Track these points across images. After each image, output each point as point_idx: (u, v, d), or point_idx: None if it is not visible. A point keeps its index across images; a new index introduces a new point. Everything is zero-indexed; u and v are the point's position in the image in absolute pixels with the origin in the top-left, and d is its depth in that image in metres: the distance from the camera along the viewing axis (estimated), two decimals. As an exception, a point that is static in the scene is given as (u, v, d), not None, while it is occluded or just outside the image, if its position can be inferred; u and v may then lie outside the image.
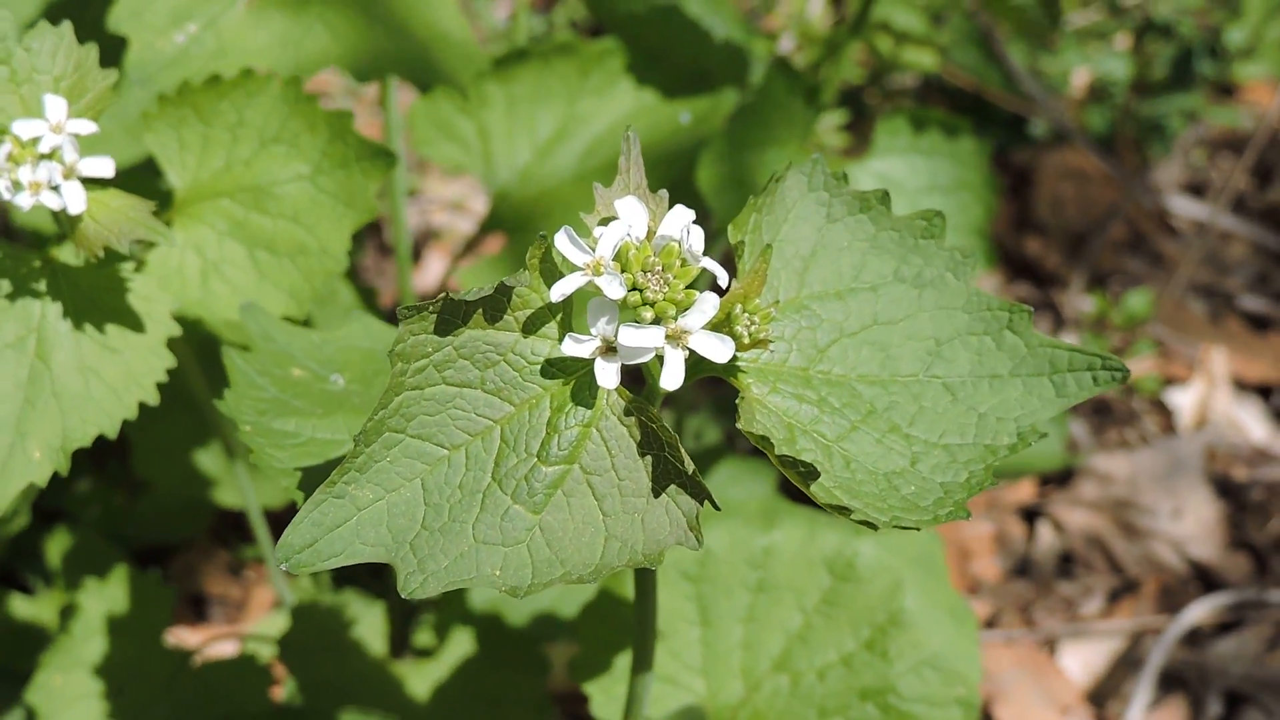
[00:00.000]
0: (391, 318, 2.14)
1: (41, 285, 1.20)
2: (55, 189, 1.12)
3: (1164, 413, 2.88)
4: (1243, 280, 3.37)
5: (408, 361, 0.82)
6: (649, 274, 0.79)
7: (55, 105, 1.14)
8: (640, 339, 0.79)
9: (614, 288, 0.79)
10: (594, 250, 0.80)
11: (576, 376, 0.84)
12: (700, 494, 0.81)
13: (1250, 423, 2.89)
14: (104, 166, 1.15)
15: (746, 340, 0.82)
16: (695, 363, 0.81)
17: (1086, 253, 3.24)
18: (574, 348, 0.81)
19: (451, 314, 0.82)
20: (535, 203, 1.76)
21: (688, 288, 0.80)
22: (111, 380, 1.17)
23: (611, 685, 1.47)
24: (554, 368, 0.84)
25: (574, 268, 0.80)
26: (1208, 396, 2.90)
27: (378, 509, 0.81)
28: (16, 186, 1.11)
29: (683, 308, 0.79)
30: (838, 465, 0.85)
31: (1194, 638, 2.39)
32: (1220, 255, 3.43)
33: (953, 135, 1.73)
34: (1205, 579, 2.51)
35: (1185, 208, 3.46)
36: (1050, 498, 2.67)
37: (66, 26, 1.18)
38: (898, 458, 0.86)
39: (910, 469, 0.86)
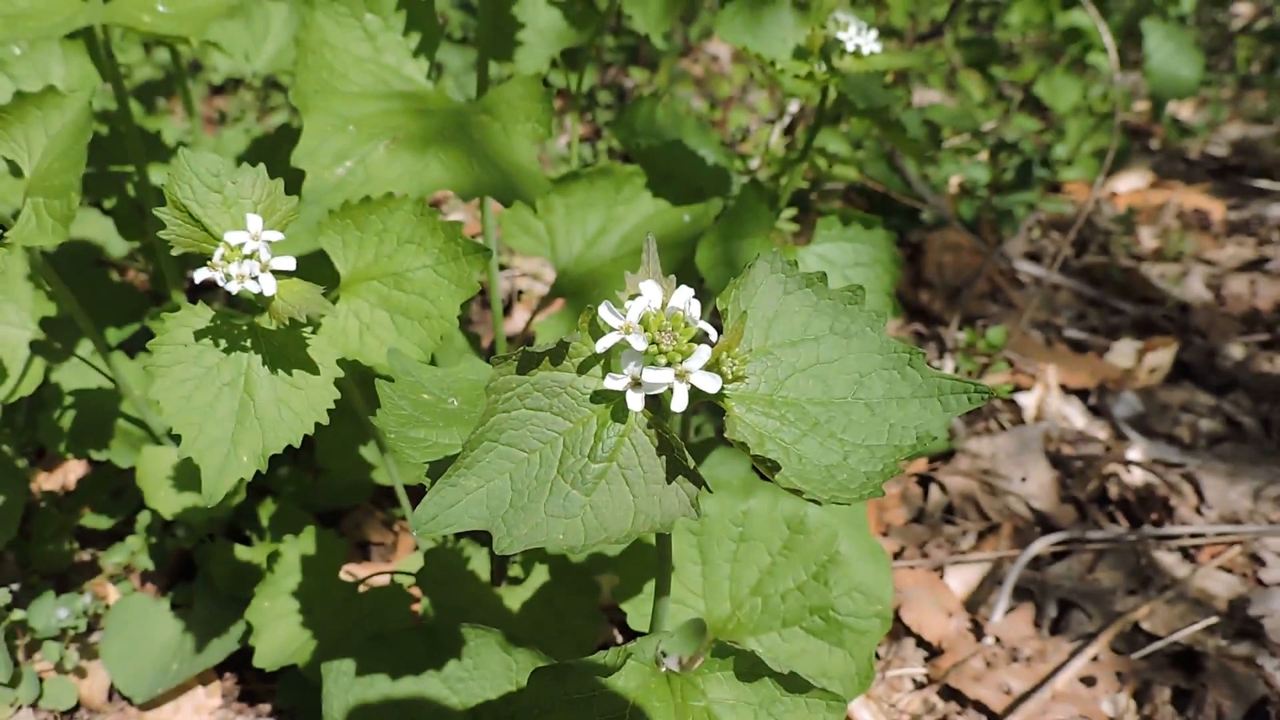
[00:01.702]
0: (490, 355, 2.13)
1: (248, 343, 1.19)
2: (255, 279, 1.12)
3: (1015, 409, 2.83)
4: (1067, 318, 3.31)
5: (499, 393, 0.80)
6: (663, 333, 0.77)
7: (254, 221, 1.14)
8: (657, 377, 0.77)
9: (639, 343, 0.77)
10: (625, 317, 0.79)
11: (614, 402, 0.82)
12: (698, 481, 0.80)
13: (1074, 415, 2.84)
14: (288, 263, 1.14)
15: (729, 376, 0.80)
16: (695, 392, 0.79)
17: (960, 301, 3.20)
18: (612, 383, 0.80)
19: (528, 361, 0.81)
20: (586, 277, 1.74)
21: (690, 341, 0.79)
22: (296, 408, 1.15)
23: (641, 604, 1.45)
24: (599, 397, 0.82)
25: (611, 329, 0.79)
26: (1044, 398, 2.85)
27: (479, 494, 0.80)
28: (228, 277, 1.11)
29: (686, 355, 0.78)
30: (793, 461, 0.83)
31: (1036, 563, 2.34)
32: (1052, 301, 3.38)
33: (868, 227, 1.69)
34: (1044, 523, 2.46)
35: (1027, 269, 3.41)
36: (938, 468, 2.62)
37: (261, 167, 1.17)
38: (834, 455, 0.84)
39: (843, 463, 0.84)
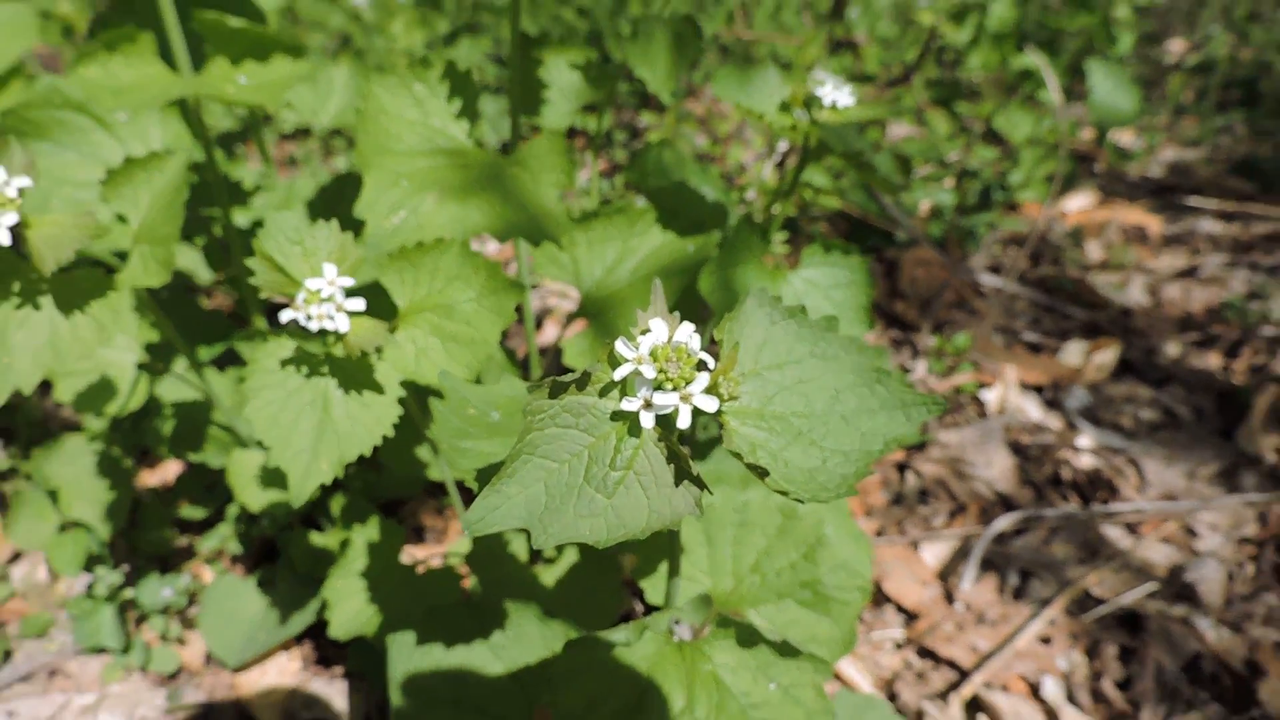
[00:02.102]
0: (525, 365, 2.16)
1: (325, 369, 1.22)
2: (331, 318, 1.15)
3: (979, 404, 2.84)
4: (1024, 323, 3.32)
5: (534, 415, 0.83)
6: (669, 362, 0.81)
7: (330, 269, 1.17)
8: (665, 400, 0.80)
9: (649, 371, 0.80)
10: (637, 349, 0.82)
11: (630, 421, 0.84)
12: (701, 485, 0.82)
13: (1031, 409, 2.84)
14: (358, 305, 1.18)
15: (725, 396, 0.83)
16: (697, 411, 0.82)
17: (931, 310, 3.21)
18: (628, 405, 0.83)
19: (558, 389, 0.84)
20: (606, 299, 1.76)
21: (692, 369, 0.82)
22: (366, 423, 1.18)
23: (657, 581, 1.48)
24: (617, 416, 0.85)
25: (626, 360, 0.82)
26: (1005, 394, 2.86)
27: (519, 499, 0.83)
28: (309, 317, 1.14)
29: (688, 381, 0.81)
30: (780, 466, 0.85)
31: (1000, 539, 2.36)
32: (1011, 308, 3.38)
33: (847, 253, 1.71)
34: (1006, 503, 2.47)
35: (989, 281, 3.41)
36: (913, 457, 2.64)
37: (335, 223, 1.21)
38: (815, 460, 0.86)
39: (822, 466, 0.86)
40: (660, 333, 0.81)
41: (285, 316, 1.15)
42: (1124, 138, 5.07)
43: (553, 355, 1.90)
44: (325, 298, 1.14)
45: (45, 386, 2.54)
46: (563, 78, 1.86)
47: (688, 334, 0.82)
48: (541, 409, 0.82)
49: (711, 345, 1.23)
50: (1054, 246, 3.82)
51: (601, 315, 1.72)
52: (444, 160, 1.41)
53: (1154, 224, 4.21)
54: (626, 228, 1.77)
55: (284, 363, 1.17)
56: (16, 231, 1.15)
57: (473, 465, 1.03)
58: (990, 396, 2.83)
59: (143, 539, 2.16)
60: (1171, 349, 3.17)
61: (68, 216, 1.17)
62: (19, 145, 1.10)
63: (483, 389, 1.18)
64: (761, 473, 0.80)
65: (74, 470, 2.05)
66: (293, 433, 1.14)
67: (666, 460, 0.83)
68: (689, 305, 1.72)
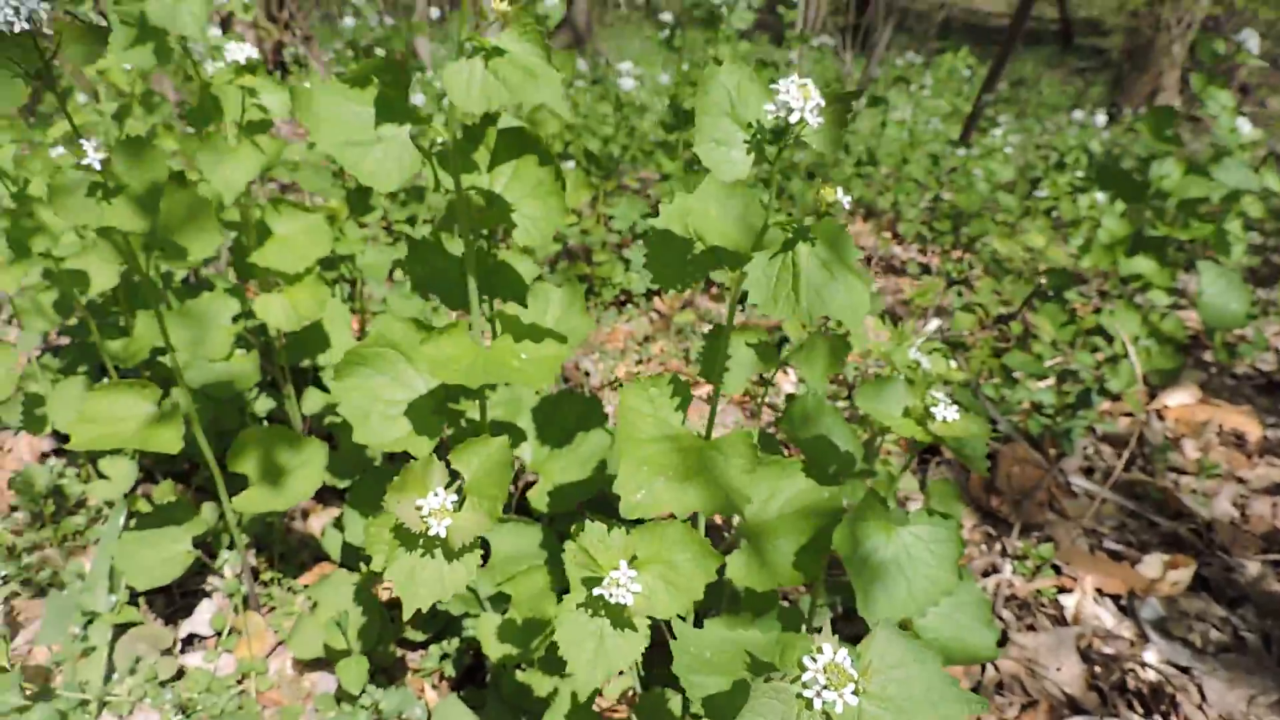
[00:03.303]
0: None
1: (603, 613, 1.89)
2: (624, 590, 1.83)
3: (1058, 608, 3.30)
4: (1110, 527, 3.76)
5: (755, 693, 1.47)
6: (832, 673, 1.43)
7: (623, 564, 1.86)
8: (829, 695, 1.43)
9: (821, 679, 1.43)
10: (817, 663, 1.44)
11: (808, 701, 1.47)
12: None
13: (1105, 616, 3.28)
14: (638, 587, 1.85)
15: (860, 690, 1.45)
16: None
17: (1022, 509, 3.69)
18: (807, 693, 1.46)
19: (765, 680, 1.47)
20: (758, 528, 2.28)
21: (846, 678, 1.43)
22: (626, 649, 1.85)
23: None
24: (799, 698, 1.47)
25: (809, 669, 1.44)
26: (1081, 601, 3.31)
27: (736, 735, 1.46)
28: (610, 591, 1.82)
29: (842, 685, 1.43)
30: (892, 735, 1.46)
31: (1066, 737, 2.81)
32: (1099, 513, 3.82)
33: (946, 518, 2.26)
34: (1073, 705, 2.90)
35: (1080, 483, 3.87)
36: (995, 649, 3.13)
37: (621, 529, 1.87)
38: (913, 732, 1.47)
39: (918, 736, 1.46)
40: (828, 654, 1.44)
41: (596, 592, 1.80)
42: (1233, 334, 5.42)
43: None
44: (619, 583, 1.73)
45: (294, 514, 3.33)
46: (741, 353, 2.55)
47: (843, 656, 1.44)
48: (759, 690, 1.46)
49: (844, 618, 1.82)
50: (1149, 445, 4.25)
51: (754, 540, 2.35)
52: (667, 445, 2.08)
53: (1254, 429, 4.57)
54: (778, 474, 2.40)
55: (578, 606, 1.84)
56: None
57: (698, 695, 1.66)
58: (1069, 601, 3.29)
59: (374, 652, 2.88)
60: (1251, 568, 3.55)
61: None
62: (440, 467, 1.83)
63: (699, 632, 1.82)
64: (881, 740, 1.41)
65: (338, 597, 2.79)
66: (582, 651, 1.79)
67: (825, 724, 1.45)
68: (822, 542, 2.34)
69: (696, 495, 1.98)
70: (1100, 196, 4.48)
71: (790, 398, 2.75)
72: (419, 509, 1.79)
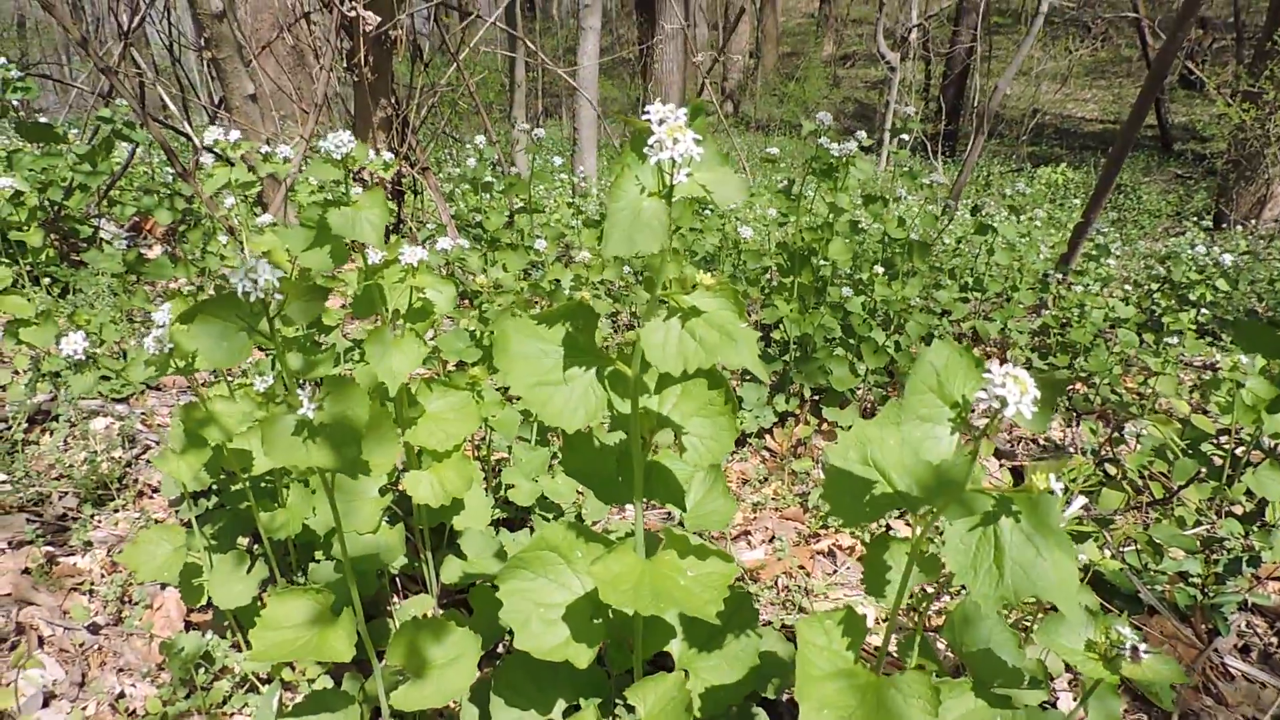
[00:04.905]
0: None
1: None
2: None
3: (1229, 820, 3.15)
4: (1271, 716, 3.58)
5: None
6: None
7: None
8: None
9: None
10: None
11: None
12: None
13: (1283, 831, 3.13)
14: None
15: None
16: None
17: (1176, 698, 3.55)
18: None
19: None
20: None
21: None
22: None
23: None
24: None
25: None
26: (1256, 813, 3.16)
27: None
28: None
29: None
30: None
31: None
32: (1259, 698, 3.65)
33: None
34: None
35: (1237, 665, 3.72)
36: None
37: None
38: None
39: None
40: None
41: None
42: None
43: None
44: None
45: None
46: (899, 562, 2.57)
47: None
48: None
49: None
50: (1307, 619, 4.06)
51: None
52: (845, 682, 2.11)
53: None
54: (945, 693, 2.40)
55: None
56: None
57: None
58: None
59: None
60: None
61: None
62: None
63: None
64: None
65: None
66: None
67: None
68: (996, 774, 2.30)
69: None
70: (1245, 359, 4.38)
71: (955, 608, 2.75)
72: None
